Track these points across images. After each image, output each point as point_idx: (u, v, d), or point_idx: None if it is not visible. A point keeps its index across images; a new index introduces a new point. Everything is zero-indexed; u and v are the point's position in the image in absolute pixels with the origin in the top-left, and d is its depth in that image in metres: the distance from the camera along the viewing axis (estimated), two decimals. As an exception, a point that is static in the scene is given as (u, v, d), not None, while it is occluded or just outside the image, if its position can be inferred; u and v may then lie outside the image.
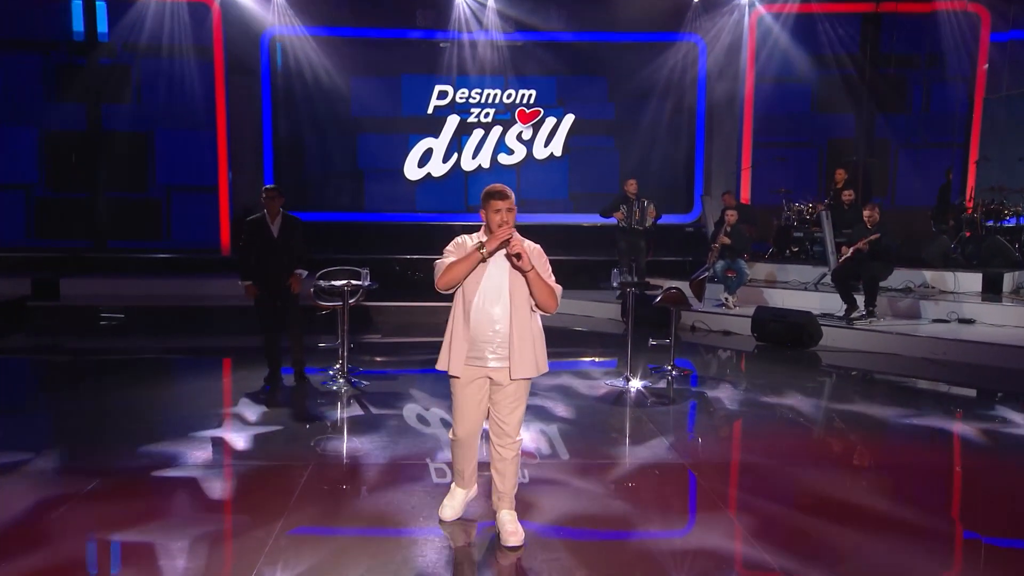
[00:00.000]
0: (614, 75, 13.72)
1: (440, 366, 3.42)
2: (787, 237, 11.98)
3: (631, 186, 10.85)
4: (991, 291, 10.06)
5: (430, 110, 13.78)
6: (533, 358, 3.30)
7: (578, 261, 12.39)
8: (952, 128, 12.76)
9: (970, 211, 11.44)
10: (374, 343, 9.06)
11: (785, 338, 8.85)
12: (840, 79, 13.78)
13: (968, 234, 11.06)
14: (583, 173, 13.76)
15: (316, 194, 13.55)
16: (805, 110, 14.05)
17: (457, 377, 3.37)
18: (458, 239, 3.35)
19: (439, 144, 13.78)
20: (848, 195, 11.18)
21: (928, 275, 10.54)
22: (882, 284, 9.52)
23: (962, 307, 9.56)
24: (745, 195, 13.17)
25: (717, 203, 13.03)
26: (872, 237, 9.18)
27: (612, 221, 10.77)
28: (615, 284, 7.01)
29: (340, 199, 13.78)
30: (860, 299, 9.60)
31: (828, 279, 10.72)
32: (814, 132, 14.02)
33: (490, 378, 3.35)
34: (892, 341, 8.69)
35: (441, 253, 3.44)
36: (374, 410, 6.03)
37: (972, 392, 7.12)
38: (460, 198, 13.75)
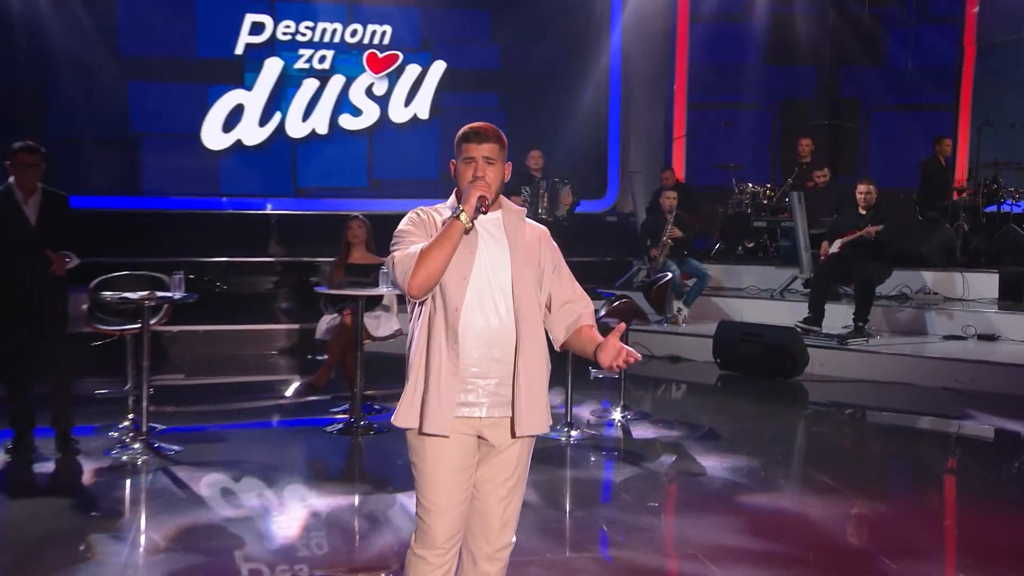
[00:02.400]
0: (499, 9, 13.63)
1: (405, 421, 3.00)
2: (740, 229, 12.06)
3: (535, 160, 10.79)
4: (1011, 297, 10.23)
5: (239, 50, 13.17)
6: (545, 402, 3.08)
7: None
8: (951, 86, 13.23)
9: (965, 194, 11.87)
10: (175, 386, 8.68)
11: (761, 365, 8.87)
12: (798, 20, 14.02)
13: (965, 228, 11.43)
14: (460, 143, 13.52)
15: (66, 168, 12.36)
16: (752, 60, 14.26)
17: (441, 436, 2.97)
18: (416, 214, 3.10)
19: (254, 100, 13.20)
20: (822, 175, 11.31)
21: (929, 277, 10.76)
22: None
23: (978, 318, 9.70)
24: (679, 173, 13.24)
25: (649, 182, 13.02)
26: (876, 228, 9.27)
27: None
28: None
29: (103, 176, 12.85)
30: (834, 308, 9.67)
31: (800, 284, 10.78)
32: (764, 90, 14.27)
33: (481, 437, 3.04)
34: (899, 366, 8.74)
35: (391, 246, 3.07)
36: (196, 488, 5.56)
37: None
38: (286, 177, 13.28)
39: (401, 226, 3.09)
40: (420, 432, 2.94)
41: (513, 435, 3.01)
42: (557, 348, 3.16)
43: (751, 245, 12.01)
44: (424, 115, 13.58)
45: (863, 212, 9.51)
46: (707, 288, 10.71)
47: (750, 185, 12.19)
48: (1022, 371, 8.24)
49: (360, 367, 6.60)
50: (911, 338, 9.61)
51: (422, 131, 13.56)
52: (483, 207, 2.95)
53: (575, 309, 3.12)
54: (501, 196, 3.13)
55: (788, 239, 11.27)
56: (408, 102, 13.53)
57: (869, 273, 9.39)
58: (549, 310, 3.11)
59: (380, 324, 7.14)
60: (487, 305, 3.00)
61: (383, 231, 3.28)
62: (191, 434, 6.69)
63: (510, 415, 3.00)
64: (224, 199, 13.16)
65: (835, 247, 9.52)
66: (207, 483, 5.65)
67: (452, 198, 3.10)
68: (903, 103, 14.07)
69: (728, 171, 12.51)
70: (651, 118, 14.09)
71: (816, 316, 9.51)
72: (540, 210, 10.53)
